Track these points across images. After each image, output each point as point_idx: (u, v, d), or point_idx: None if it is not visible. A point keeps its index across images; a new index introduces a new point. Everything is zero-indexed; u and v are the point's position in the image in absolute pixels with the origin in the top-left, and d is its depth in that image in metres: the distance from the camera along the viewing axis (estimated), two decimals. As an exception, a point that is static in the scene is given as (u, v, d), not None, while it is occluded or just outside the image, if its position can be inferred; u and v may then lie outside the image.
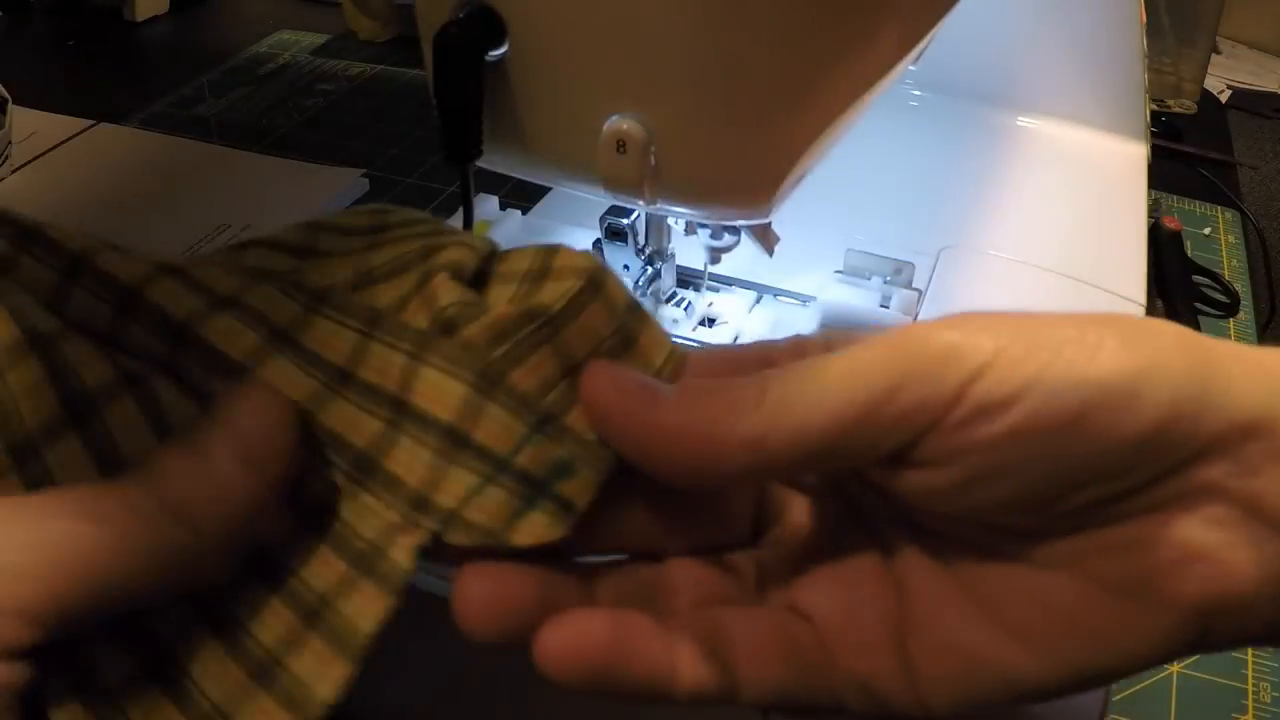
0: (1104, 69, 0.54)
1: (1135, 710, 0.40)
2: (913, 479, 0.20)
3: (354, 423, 0.22)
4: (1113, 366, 0.19)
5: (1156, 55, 0.79)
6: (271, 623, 0.21)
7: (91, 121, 0.71)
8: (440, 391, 0.22)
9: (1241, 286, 0.59)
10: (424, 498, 0.22)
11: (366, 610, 0.21)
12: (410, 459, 0.22)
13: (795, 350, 0.23)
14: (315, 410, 0.22)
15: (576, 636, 0.21)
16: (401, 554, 0.21)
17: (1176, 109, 0.80)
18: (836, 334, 0.23)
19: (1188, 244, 0.62)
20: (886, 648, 0.23)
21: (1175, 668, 0.41)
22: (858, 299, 0.40)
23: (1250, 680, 0.41)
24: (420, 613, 0.32)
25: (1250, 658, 0.42)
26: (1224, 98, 0.87)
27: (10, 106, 0.64)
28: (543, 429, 0.22)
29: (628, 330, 0.23)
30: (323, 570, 0.22)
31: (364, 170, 0.66)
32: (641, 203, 0.30)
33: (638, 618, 0.22)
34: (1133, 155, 0.55)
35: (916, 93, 0.58)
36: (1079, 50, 0.54)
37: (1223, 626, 0.20)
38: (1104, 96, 0.55)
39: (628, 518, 0.23)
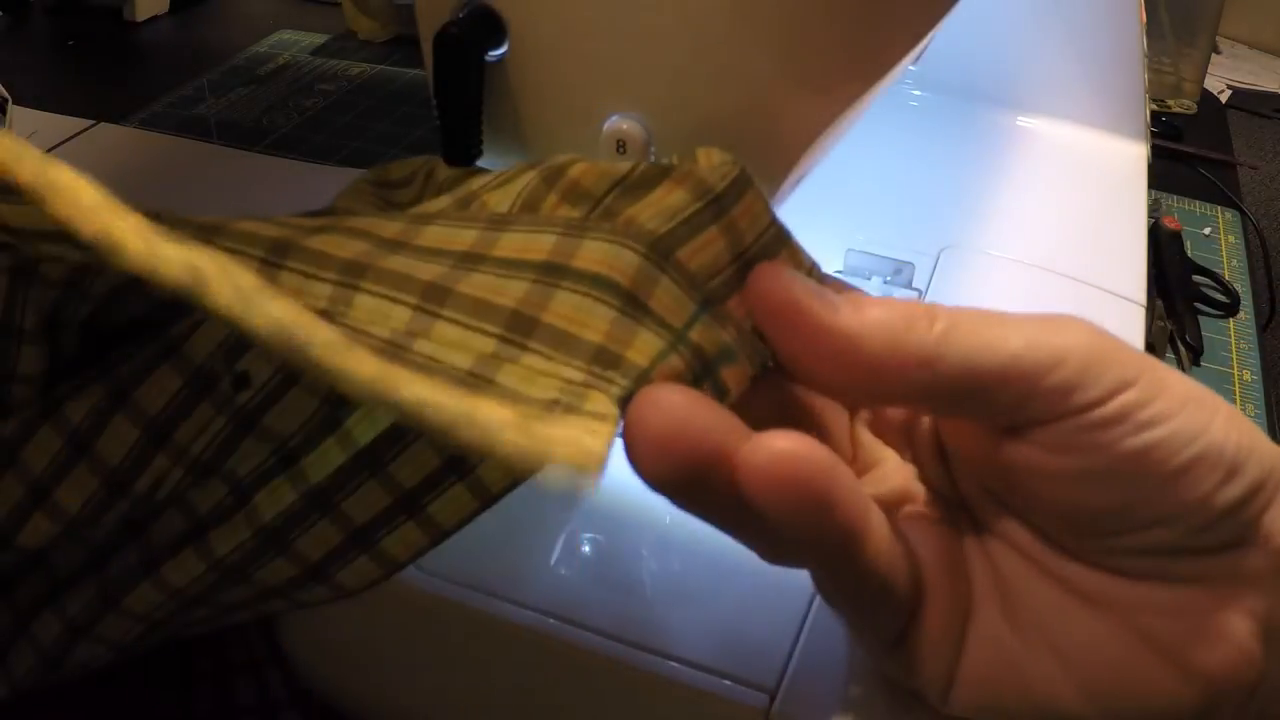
0: (1104, 69, 0.54)
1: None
2: (1032, 455, 0.21)
3: (495, 288, 0.20)
4: (1223, 433, 0.21)
5: (1156, 55, 0.79)
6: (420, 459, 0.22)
7: (91, 121, 0.71)
8: (611, 257, 0.20)
9: (1241, 286, 0.59)
10: (614, 354, 0.20)
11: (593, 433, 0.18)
12: (585, 316, 0.20)
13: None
14: (452, 285, 0.20)
15: (794, 455, 0.19)
16: (601, 404, 0.19)
17: (1176, 109, 0.80)
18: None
19: (1188, 244, 0.62)
20: (936, 638, 0.23)
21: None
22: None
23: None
24: (421, 614, 0.33)
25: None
26: (1224, 98, 0.87)
27: (10, 106, 0.64)
28: (708, 309, 0.21)
29: (777, 223, 0.22)
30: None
31: (364, 170, 0.65)
32: (641, 203, 0.30)
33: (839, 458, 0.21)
34: (1133, 155, 0.55)
35: (916, 93, 0.58)
36: (1079, 50, 0.54)
37: (1226, 710, 0.21)
38: (1104, 96, 0.55)
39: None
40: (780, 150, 0.29)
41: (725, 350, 0.21)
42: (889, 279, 0.42)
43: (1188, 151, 0.74)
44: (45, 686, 0.29)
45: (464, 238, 0.21)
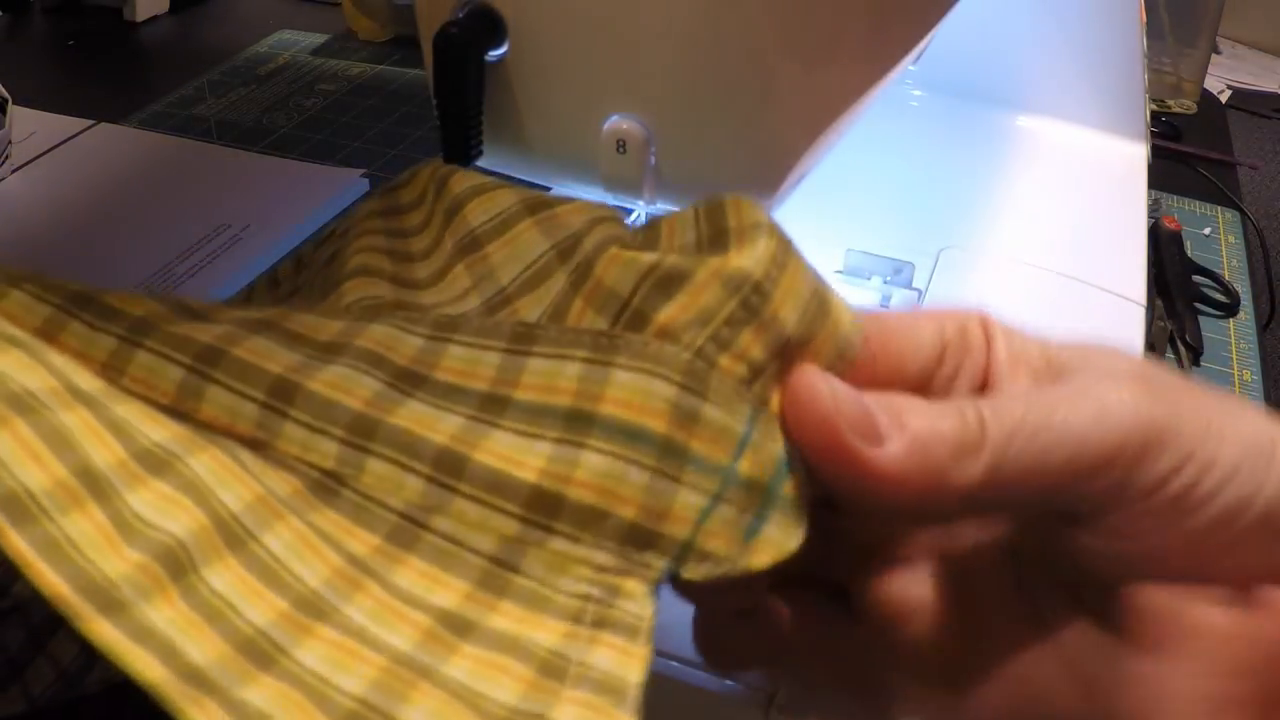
0: (1104, 69, 0.54)
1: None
2: (1088, 542, 0.21)
3: (515, 455, 0.18)
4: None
5: (1156, 55, 0.79)
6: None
7: (91, 121, 0.71)
8: (643, 395, 0.18)
9: (1241, 286, 0.59)
10: (649, 532, 0.18)
11: (623, 664, 0.17)
12: (614, 485, 0.18)
13: (961, 339, 0.23)
14: (468, 450, 0.18)
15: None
16: (635, 599, 0.18)
17: (1176, 109, 0.80)
18: (986, 324, 0.23)
19: (1188, 244, 0.62)
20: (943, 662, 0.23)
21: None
22: (858, 299, 0.40)
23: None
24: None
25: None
26: (1224, 98, 0.87)
27: (10, 106, 0.64)
28: (757, 422, 0.19)
29: (819, 287, 0.20)
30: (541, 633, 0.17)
31: (364, 170, 0.66)
32: (641, 203, 0.30)
33: None
34: (1133, 155, 0.55)
35: (916, 93, 0.58)
36: (1079, 50, 0.54)
37: None
38: (1104, 96, 0.55)
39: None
40: (781, 150, 0.29)
41: (780, 463, 0.19)
42: (889, 279, 0.42)
43: (1188, 151, 0.74)
44: (64, 704, 0.29)
45: (485, 369, 0.19)
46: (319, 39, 0.87)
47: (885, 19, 0.29)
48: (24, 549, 0.14)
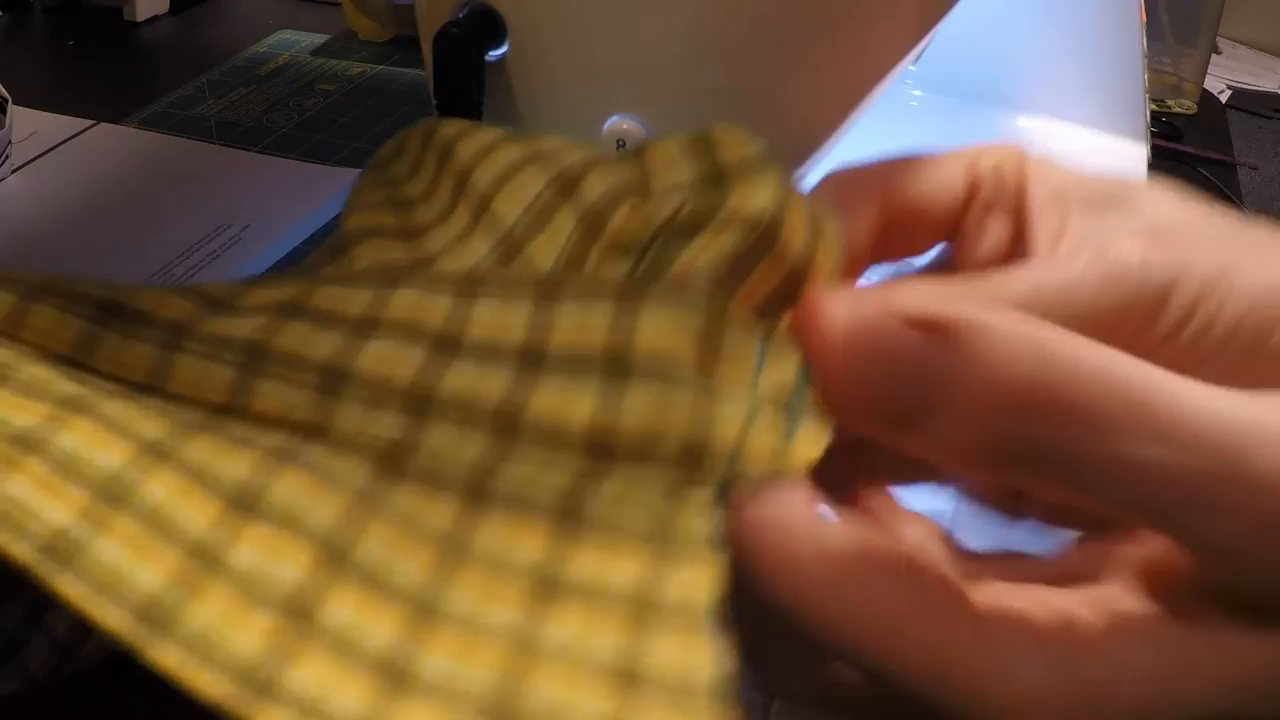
0: (1104, 69, 0.54)
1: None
2: None
3: (564, 404, 0.19)
4: None
5: (1156, 55, 0.79)
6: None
7: (91, 121, 0.71)
8: (672, 327, 0.19)
9: (1241, 286, 0.59)
10: (700, 448, 0.19)
11: (697, 585, 0.18)
12: (660, 413, 0.19)
13: (995, 177, 0.22)
14: (520, 407, 0.19)
15: None
16: (696, 516, 0.18)
17: (1176, 109, 0.80)
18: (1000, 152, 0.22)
19: (1188, 244, 0.62)
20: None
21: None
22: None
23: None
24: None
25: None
26: (1224, 98, 0.87)
27: (10, 106, 0.64)
28: (766, 348, 0.20)
29: (813, 213, 0.21)
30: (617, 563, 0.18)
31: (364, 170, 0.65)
32: (641, 203, 0.30)
33: None
34: (1133, 155, 0.55)
35: (917, 93, 0.58)
36: (1079, 50, 0.54)
37: None
38: (1104, 96, 0.55)
39: None
40: (781, 151, 0.29)
41: (797, 387, 0.20)
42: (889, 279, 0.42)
43: (1188, 151, 0.74)
44: (59, 680, 0.29)
45: (517, 325, 0.20)
46: (319, 39, 0.87)
47: (884, 21, 0.29)
48: (170, 658, 0.15)
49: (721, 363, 0.19)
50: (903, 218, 0.22)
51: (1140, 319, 0.19)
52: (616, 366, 0.19)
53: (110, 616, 0.16)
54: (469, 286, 0.20)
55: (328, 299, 0.20)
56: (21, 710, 0.30)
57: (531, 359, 0.19)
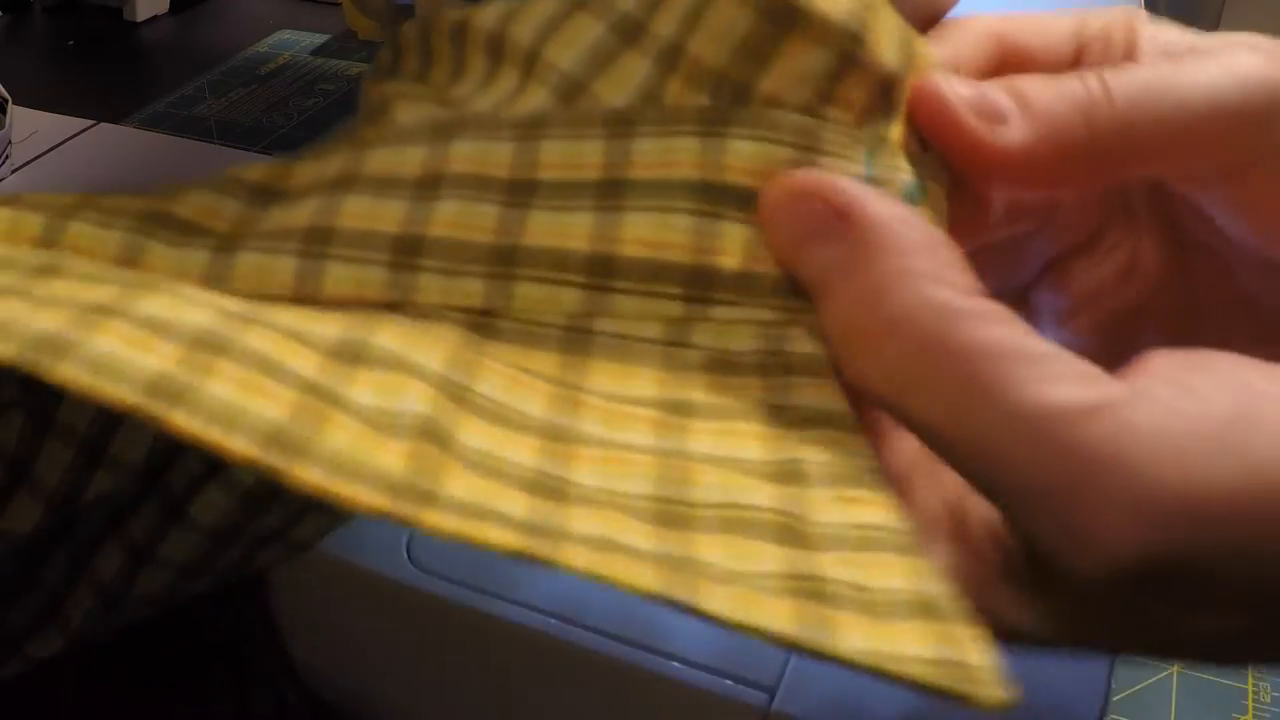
0: (1104, 69, 0.54)
1: (1135, 710, 0.40)
2: (1220, 213, 0.21)
3: (657, 237, 0.19)
4: None
5: (1156, 55, 0.79)
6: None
7: (91, 121, 0.71)
8: (763, 160, 0.19)
9: (1241, 286, 0.59)
10: (795, 281, 0.19)
11: (824, 397, 0.18)
12: (756, 247, 0.19)
13: (1103, 39, 0.22)
14: (612, 246, 0.18)
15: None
16: (811, 343, 0.19)
17: (1176, 109, 0.80)
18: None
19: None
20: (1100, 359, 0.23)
21: (1176, 668, 0.41)
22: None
23: (1250, 680, 0.41)
24: (421, 615, 0.33)
25: (1250, 657, 0.42)
26: (1224, 97, 0.87)
27: (10, 106, 0.64)
28: (875, 160, 0.19)
29: (901, 22, 0.20)
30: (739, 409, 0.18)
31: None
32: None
33: None
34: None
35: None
36: (1079, 50, 0.54)
37: None
38: (1104, 96, 0.55)
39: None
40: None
41: (910, 191, 0.19)
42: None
43: (1187, 151, 0.74)
44: (103, 635, 0.28)
45: (591, 158, 0.19)
46: (319, 39, 0.87)
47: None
48: (315, 475, 0.14)
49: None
50: (1010, 67, 0.22)
51: (1257, 121, 0.19)
52: (711, 196, 0.18)
53: (237, 444, 0.14)
54: (533, 130, 0.19)
55: (380, 164, 0.19)
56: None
57: (612, 190, 0.19)
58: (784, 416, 0.18)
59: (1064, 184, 0.21)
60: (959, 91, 0.20)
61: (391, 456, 0.15)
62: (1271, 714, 0.40)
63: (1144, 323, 0.24)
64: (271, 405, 0.15)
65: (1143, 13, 0.22)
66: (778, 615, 0.16)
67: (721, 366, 0.19)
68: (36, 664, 0.28)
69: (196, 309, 0.16)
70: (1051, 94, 0.20)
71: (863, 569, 0.17)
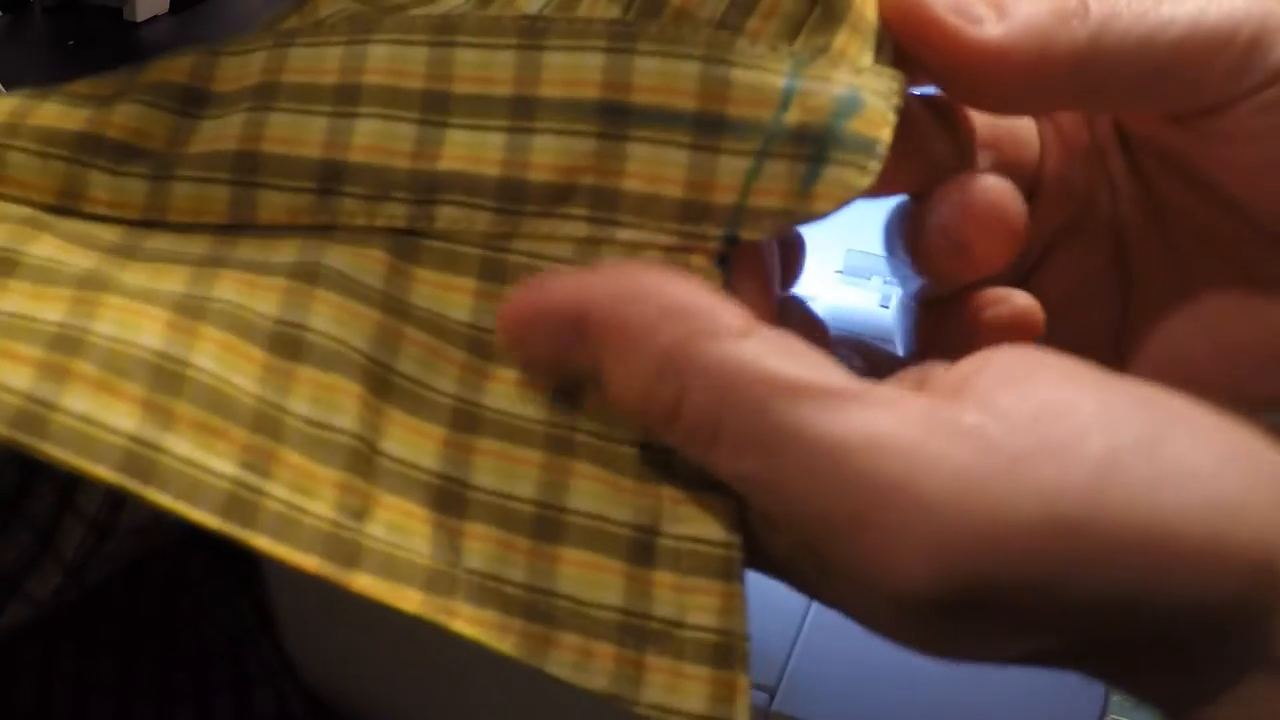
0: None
1: (1135, 710, 0.40)
2: (1209, 145, 0.20)
3: (563, 161, 0.19)
4: None
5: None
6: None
7: (91, 121, 0.70)
8: (670, 78, 0.19)
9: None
10: (698, 205, 0.19)
11: None
12: (659, 169, 0.19)
13: None
14: (523, 173, 0.19)
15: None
16: (706, 274, 0.19)
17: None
18: None
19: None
20: (1102, 342, 0.23)
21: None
22: (858, 299, 0.40)
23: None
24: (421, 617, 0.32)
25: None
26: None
27: (10, 106, 0.64)
28: (803, 71, 0.19)
29: None
30: None
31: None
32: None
33: None
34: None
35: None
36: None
37: None
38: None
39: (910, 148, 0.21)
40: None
41: (842, 104, 0.19)
42: (889, 279, 0.42)
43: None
44: (104, 570, 0.28)
45: (503, 71, 0.19)
46: (319, 39, 0.87)
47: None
48: (258, 540, 0.17)
49: (729, 103, 0.19)
50: None
51: (1241, 49, 0.19)
52: (615, 117, 0.19)
53: (202, 517, 0.16)
54: (447, 34, 0.19)
55: (300, 67, 0.20)
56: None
57: (522, 107, 0.19)
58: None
59: (1038, 96, 0.20)
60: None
61: (326, 502, 0.18)
62: (1271, 714, 0.39)
63: (1134, 285, 0.24)
64: (224, 457, 0.17)
65: None
66: (603, 672, 0.18)
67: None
68: (42, 610, 0.28)
69: (150, 317, 0.18)
70: (1029, 4, 0.20)
71: (688, 595, 0.18)
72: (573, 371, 0.19)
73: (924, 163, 0.22)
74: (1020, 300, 0.22)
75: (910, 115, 0.20)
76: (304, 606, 0.34)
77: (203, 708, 0.35)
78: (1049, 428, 0.16)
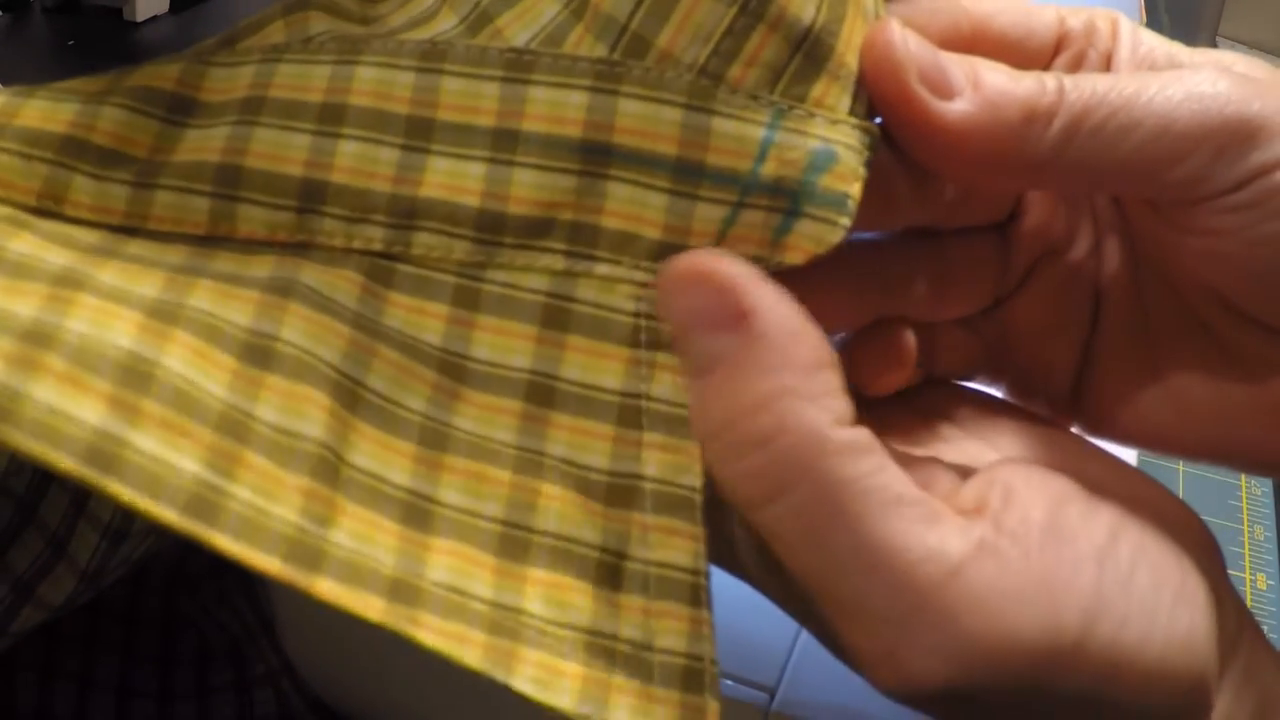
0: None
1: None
2: (1165, 232, 0.21)
3: (545, 195, 0.19)
4: None
5: (1156, 55, 0.79)
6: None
7: (92, 121, 0.70)
8: (651, 122, 0.19)
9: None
10: (675, 247, 0.19)
11: (678, 389, 0.20)
12: (639, 210, 0.19)
13: (1085, 34, 0.22)
14: (503, 205, 0.19)
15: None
16: (667, 391, 0.19)
17: (1176, 109, 0.80)
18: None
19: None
20: (1063, 377, 0.24)
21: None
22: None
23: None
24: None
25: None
26: (1224, 97, 0.87)
27: (10, 106, 0.64)
28: (781, 122, 0.19)
29: None
30: (596, 361, 0.20)
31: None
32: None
33: None
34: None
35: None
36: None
37: None
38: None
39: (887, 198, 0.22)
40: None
41: (816, 158, 0.19)
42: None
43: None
44: (119, 571, 0.28)
45: (487, 102, 0.19)
46: (319, 39, 0.86)
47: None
48: (219, 540, 0.17)
49: (709, 151, 0.19)
50: (984, 47, 0.21)
51: (1212, 152, 0.19)
52: (597, 156, 0.19)
53: (162, 512, 0.16)
54: (434, 61, 0.20)
55: (287, 84, 0.20)
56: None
57: (507, 141, 0.19)
58: (640, 416, 0.19)
59: (997, 176, 0.20)
60: (912, 51, 0.19)
61: (289, 508, 0.17)
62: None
63: (1101, 325, 0.24)
64: (190, 454, 0.17)
65: (1124, 16, 0.22)
66: (570, 691, 0.18)
67: (598, 328, 0.20)
68: (55, 613, 0.28)
69: (121, 316, 0.18)
70: (1004, 82, 0.19)
71: (656, 620, 0.19)
72: (690, 349, 0.19)
73: (883, 202, 0.22)
74: (899, 342, 0.23)
75: (875, 157, 0.20)
76: (304, 607, 0.34)
77: (203, 708, 0.35)
78: (1054, 555, 0.18)
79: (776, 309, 0.19)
